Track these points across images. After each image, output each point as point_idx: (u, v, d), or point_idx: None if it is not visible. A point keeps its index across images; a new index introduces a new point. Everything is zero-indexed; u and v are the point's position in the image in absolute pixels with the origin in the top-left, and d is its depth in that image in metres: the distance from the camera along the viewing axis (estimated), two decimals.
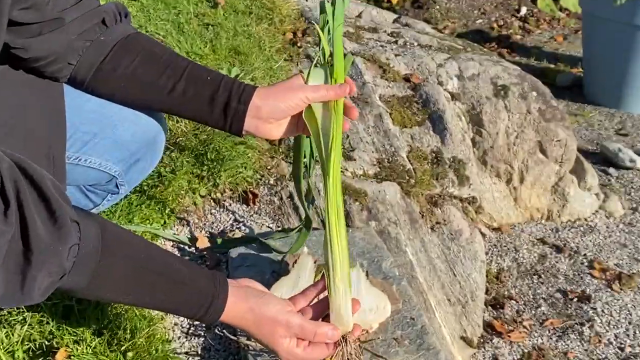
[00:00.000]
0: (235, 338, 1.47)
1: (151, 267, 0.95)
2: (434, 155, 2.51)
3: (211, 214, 2.01)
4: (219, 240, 1.87)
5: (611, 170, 3.33)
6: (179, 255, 1.73)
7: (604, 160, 3.44)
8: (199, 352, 1.53)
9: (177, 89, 1.12)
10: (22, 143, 1.02)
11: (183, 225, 1.95)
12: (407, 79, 2.73)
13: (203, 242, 1.86)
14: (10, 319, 1.42)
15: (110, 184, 1.26)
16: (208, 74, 1.15)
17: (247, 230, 1.94)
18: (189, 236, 1.92)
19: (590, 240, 2.81)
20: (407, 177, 2.33)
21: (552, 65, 4.72)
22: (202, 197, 2.02)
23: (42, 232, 0.77)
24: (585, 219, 2.95)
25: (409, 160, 2.42)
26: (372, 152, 2.38)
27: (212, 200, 2.05)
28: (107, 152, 1.20)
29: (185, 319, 1.62)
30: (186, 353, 1.54)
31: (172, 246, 1.86)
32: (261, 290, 1.11)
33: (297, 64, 2.75)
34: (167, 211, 1.91)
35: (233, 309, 1.04)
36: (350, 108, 1.18)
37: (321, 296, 1.17)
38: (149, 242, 1.04)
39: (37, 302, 0.82)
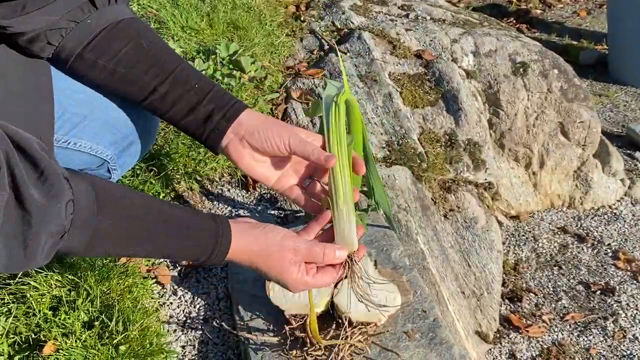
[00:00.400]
0: (235, 331, 1.47)
1: (150, 215, 0.98)
2: (447, 137, 2.49)
3: (208, 200, 2.01)
4: None
5: (637, 154, 3.31)
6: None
7: (629, 143, 3.42)
8: (196, 346, 1.54)
9: (159, 90, 1.11)
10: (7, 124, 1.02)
11: None
12: (418, 55, 2.71)
13: None
14: None
15: (102, 169, 1.25)
16: (197, 82, 1.13)
17: (245, 217, 1.93)
18: None
19: (615, 229, 2.80)
20: (419, 161, 2.32)
21: (575, 42, 4.69)
22: (198, 182, 2.01)
23: (35, 193, 0.78)
24: (610, 207, 2.94)
25: (421, 143, 2.41)
26: (381, 134, 2.37)
27: (209, 186, 2.04)
28: (98, 135, 1.19)
29: (182, 312, 1.63)
30: (182, 347, 1.54)
31: None
32: (262, 223, 1.13)
33: (301, 40, 2.74)
34: (162, 196, 1.90)
35: (239, 243, 1.06)
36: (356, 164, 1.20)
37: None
38: (143, 192, 1.05)
39: (42, 264, 0.85)
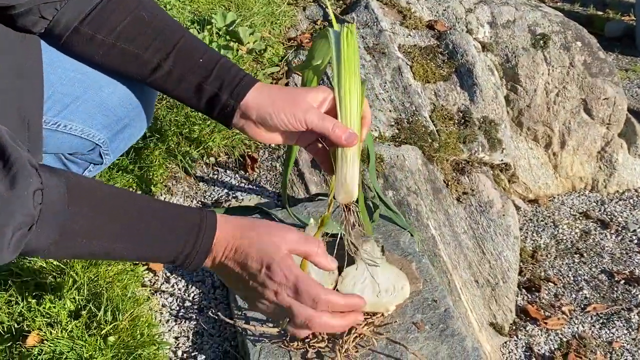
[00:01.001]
0: (232, 321, 1.47)
1: (127, 209, 0.96)
2: (461, 114, 2.48)
3: (203, 181, 2.00)
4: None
5: None
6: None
7: None
8: (190, 337, 1.54)
9: (163, 67, 1.10)
10: (2, 110, 1.01)
11: (171, 195, 1.94)
12: (431, 26, 2.69)
13: None
14: None
15: (93, 153, 1.25)
16: (201, 55, 1.12)
17: (243, 200, 1.93)
18: None
19: None
20: (430, 140, 2.31)
21: (600, 13, 4.65)
22: (193, 162, 2.01)
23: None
24: (636, 190, 2.93)
25: (432, 121, 2.40)
26: (390, 111, 2.36)
27: (204, 166, 2.04)
28: (91, 117, 1.19)
29: (175, 301, 1.63)
30: (176, 338, 1.55)
31: None
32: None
33: (303, 9, 2.72)
34: (153, 177, 1.90)
35: (224, 228, 1.03)
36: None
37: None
38: (117, 187, 1.04)
39: (8, 260, 0.83)
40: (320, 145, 1.17)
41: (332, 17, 1.36)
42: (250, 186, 2.00)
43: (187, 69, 1.11)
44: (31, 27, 1.09)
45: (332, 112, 1.15)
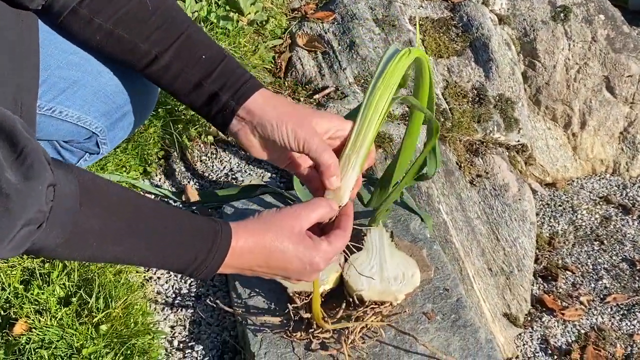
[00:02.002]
0: (231, 310, 1.47)
1: (141, 210, 0.96)
2: (475, 92, 2.47)
3: (201, 161, 2.00)
4: (205, 195, 1.86)
5: None
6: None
7: None
8: (187, 326, 1.54)
9: (160, 60, 1.08)
10: None
11: (167, 175, 1.94)
12: None
13: (192, 195, 1.85)
14: None
15: (90, 142, 1.24)
16: (205, 51, 1.10)
17: (243, 181, 1.93)
18: (175, 188, 1.91)
19: None
20: (442, 119, 2.30)
21: None
22: (190, 140, 2.00)
23: (11, 175, 0.76)
24: None
25: (445, 99, 2.38)
26: None
27: (202, 145, 2.03)
28: (88, 103, 1.17)
29: (171, 288, 1.63)
30: (172, 327, 1.55)
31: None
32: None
33: None
34: (148, 157, 1.90)
35: (241, 233, 1.04)
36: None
37: None
38: (127, 188, 1.03)
39: (8, 256, 0.82)
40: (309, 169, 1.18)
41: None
42: (251, 166, 1.99)
43: (187, 65, 1.09)
44: (28, 3, 1.07)
45: (335, 142, 1.16)
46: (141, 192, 1.85)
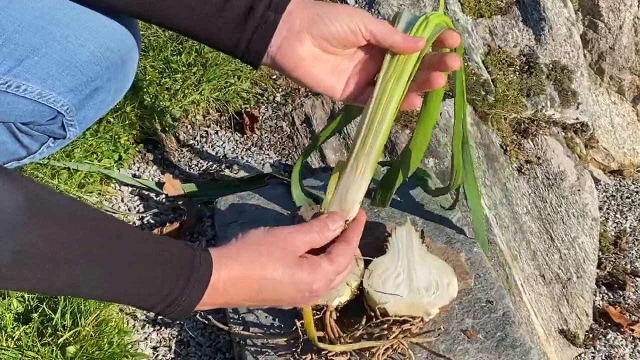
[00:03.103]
0: (227, 328, 1.47)
1: (101, 230, 0.94)
2: (524, 59, 2.46)
3: (187, 146, 2.00)
4: (191, 187, 1.86)
5: None
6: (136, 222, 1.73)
7: None
8: (173, 347, 1.55)
9: None
10: None
11: (147, 163, 1.94)
12: None
13: (176, 188, 1.85)
14: None
15: (54, 124, 1.23)
16: None
17: (239, 171, 1.92)
18: (157, 179, 1.91)
19: None
20: (484, 93, 2.29)
21: None
22: (174, 120, 2.00)
23: None
24: None
25: (487, 67, 2.38)
26: None
27: (189, 126, 2.03)
28: (52, 76, 1.16)
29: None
30: (154, 348, 1.55)
31: (130, 192, 1.85)
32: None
33: None
34: (123, 141, 1.90)
35: (224, 263, 1.03)
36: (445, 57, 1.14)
37: None
38: (87, 204, 1.03)
39: None
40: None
41: None
42: (249, 152, 1.98)
43: None
44: None
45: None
46: (115, 183, 1.85)
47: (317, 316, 1.39)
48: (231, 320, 1.49)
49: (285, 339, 1.41)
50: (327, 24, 1.08)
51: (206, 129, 2.03)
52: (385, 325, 1.36)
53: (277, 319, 1.46)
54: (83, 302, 1.47)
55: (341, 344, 1.34)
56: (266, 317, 1.47)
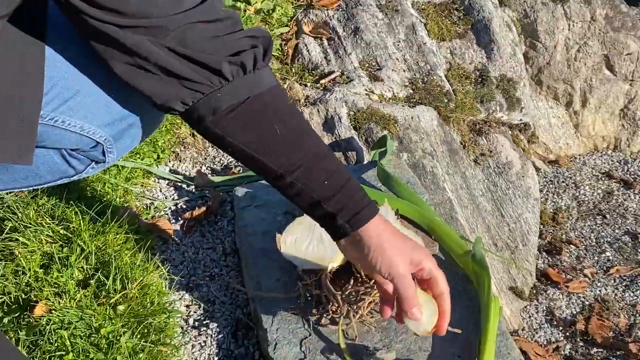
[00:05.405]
0: (244, 289, 1.47)
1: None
2: (478, 73, 2.44)
3: (212, 147, 1.99)
4: (216, 179, 1.86)
5: None
6: None
7: None
8: (202, 305, 1.54)
9: (286, 179, 1.09)
10: None
11: (180, 161, 1.93)
12: None
13: (203, 180, 1.85)
14: None
15: (96, 151, 1.22)
16: (328, 176, 1.11)
17: None
18: (187, 173, 1.90)
19: None
20: (446, 100, 2.28)
21: None
22: None
23: None
24: None
25: (448, 80, 2.36)
26: (403, 70, 2.32)
27: None
28: (92, 113, 1.15)
29: (186, 268, 1.62)
30: (187, 306, 1.55)
31: (167, 184, 1.85)
32: None
33: None
34: (161, 144, 1.89)
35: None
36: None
37: None
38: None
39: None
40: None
41: None
42: None
43: (309, 188, 1.10)
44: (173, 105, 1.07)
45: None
46: (155, 177, 1.85)
47: (315, 279, 1.39)
48: (247, 282, 1.49)
49: (290, 297, 1.41)
50: (369, 261, 1.13)
51: None
52: (369, 284, 1.36)
53: (283, 282, 1.46)
54: (130, 270, 1.46)
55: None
56: (275, 280, 1.47)
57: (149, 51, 0.97)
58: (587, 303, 2.19)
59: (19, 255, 1.45)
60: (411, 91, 2.26)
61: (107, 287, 1.42)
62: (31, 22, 1.06)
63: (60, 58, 1.10)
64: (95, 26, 0.94)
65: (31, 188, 1.26)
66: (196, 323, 1.51)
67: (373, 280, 1.37)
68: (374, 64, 2.31)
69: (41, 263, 1.46)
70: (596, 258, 2.38)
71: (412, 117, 2.11)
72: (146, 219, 1.71)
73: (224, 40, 1.01)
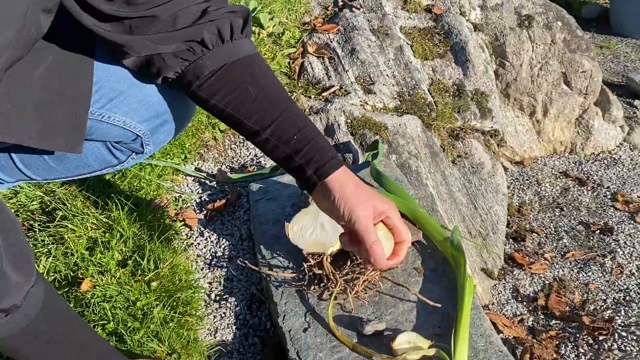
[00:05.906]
0: (257, 268, 1.47)
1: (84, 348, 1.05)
2: (455, 87, 2.44)
3: (231, 149, 1.98)
4: (234, 176, 1.85)
5: (636, 102, 3.22)
6: None
7: (629, 92, 3.33)
8: (222, 282, 1.54)
9: (262, 135, 1.09)
10: (55, 100, 1.01)
11: (204, 160, 1.93)
12: (428, 9, 2.63)
13: (224, 177, 1.84)
14: (36, 250, 1.43)
15: (136, 143, 1.23)
16: (297, 131, 1.09)
17: (266, 164, 1.91)
18: (210, 171, 1.90)
19: (614, 173, 2.75)
20: (428, 110, 2.27)
21: None
22: (221, 131, 1.99)
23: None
24: (609, 152, 2.88)
25: (430, 93, 2.36)
26: (393, 85, 2.32)
27: (232, 135, 2.02)
28: (132, 110, 1.16)
29: (208, 251, 1.62)
30: (209, 283, 1.55)
31: (193, 180, 1.85)
32: None
33: None
34: (187, 146, 1.89)
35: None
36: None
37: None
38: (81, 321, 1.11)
39: None
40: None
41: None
42: None
43: (281, 142, 1.09)
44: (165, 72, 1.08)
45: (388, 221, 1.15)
46: (183, 174, 1.85)
47: (318, 260, 1.39)
48: (260, 264, 1.48)
49: (296, 275, 1.40)
50: (335, 208, 1.09)
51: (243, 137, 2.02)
52: (364, 266, 1.36)
53: (291, 263, 1.46)
54: (162, 252, 1.47)
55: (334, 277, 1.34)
56: (284, 261, 1.46)
57: (143, 46, 1.01)
58: (547, 282, 2.19)
59: (68, 240, 1.45)
60: (399, 102, 2.26)
61: (142, 267, 1.42)
62: (84, 34, 1.06)
63: (106, 64, 1.11)
64: (103, 36, 0.98)
65: (81, 176, 1.26)
66: (217, 297, 1.51)
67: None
68: (367, 79, 2.31)
69: (87, 246, 1.46)
70: (555, 244, 2.38)
71: (399, 125, 2.10)
72: (175, 209, 1.71)
73: (209, 15, 1.01)
